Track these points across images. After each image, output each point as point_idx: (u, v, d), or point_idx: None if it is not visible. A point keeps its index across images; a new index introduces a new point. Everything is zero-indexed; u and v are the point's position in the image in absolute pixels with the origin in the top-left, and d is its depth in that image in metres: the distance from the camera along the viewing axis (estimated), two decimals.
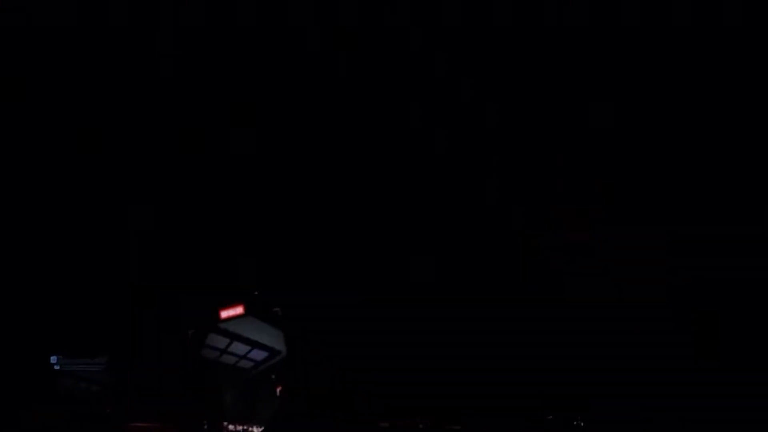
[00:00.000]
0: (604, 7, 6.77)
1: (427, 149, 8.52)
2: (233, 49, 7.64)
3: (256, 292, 10.10)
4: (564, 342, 8.67)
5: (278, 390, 10.27)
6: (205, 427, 9.78)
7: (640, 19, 6.80)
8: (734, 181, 7.47)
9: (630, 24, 6.87)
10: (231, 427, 10.22)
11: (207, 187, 9.18)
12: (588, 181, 8.27)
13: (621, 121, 7.70)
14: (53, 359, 10.00)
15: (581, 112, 7.79)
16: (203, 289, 10.05)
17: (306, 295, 9.74)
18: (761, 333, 7.31)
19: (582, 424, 8.56)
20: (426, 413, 9.09)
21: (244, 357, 11.15)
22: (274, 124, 8.50)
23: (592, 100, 7.65)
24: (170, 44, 7.53)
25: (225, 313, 10.24)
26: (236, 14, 7.23)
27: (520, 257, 8.81)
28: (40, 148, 8.58)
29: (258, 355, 11.00)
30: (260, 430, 10.17)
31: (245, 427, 10.32)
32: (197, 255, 9.86)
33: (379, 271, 9.31)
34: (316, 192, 9.03)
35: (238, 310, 10.18)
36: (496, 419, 8.72)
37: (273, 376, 10.55)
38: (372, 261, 9.35)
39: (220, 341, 10.71)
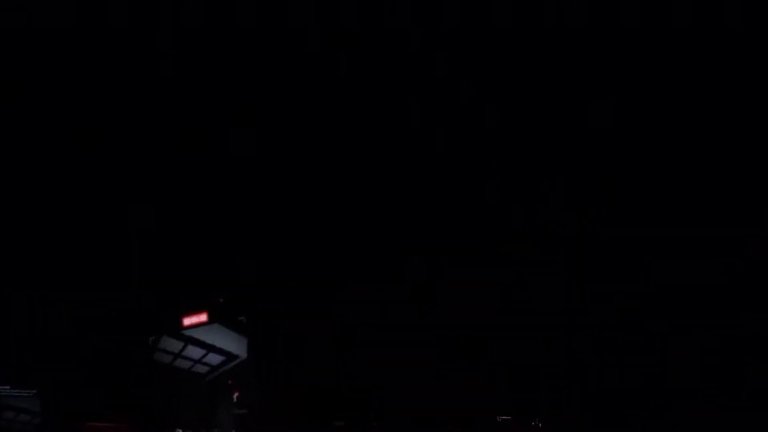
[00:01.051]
0: (604, 7, 6.77)
1: (427, 149, 8.52)
2: (233, 49, 7.64)
3: (221, 300, 9.81)
4: (541, 344, 8.65)
5: (235, 396, 10.04)
6: None
7: (641, 19, 6.80)
8: (735, 181, 7.47)
9: (630, 24, 6.87)
10: None
11: (180, 189, 9.04)
12: (588, 181, 8.27)
13: (621, 122, 7.70)
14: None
15: (581, 112, 7.79)
16: (166, 293, 9.76)
17: (274, 304, 9.59)
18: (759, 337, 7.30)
19: (540, 425, 8.51)
20: (385, 415, 8.98)
21: (200, 361, 10.82)
22: (274, 124, 8.51)
23: (592, 100, 7.66)
24: (170, 44, 7.53)
25: (188, 320, 9.89)
26: (236, 14, 7.24)
27: (517, 259, 8.80)
28: (40, 148, 8.60)
29: (214, 359, 10.71)
30: None
31: None
32: (164, 258, 9.64)
33: (359, 278, 9.23)
34: (308, 194, 9.00)
35: (202, 317, 9.83)
36: (457, 419, 8.66)
37: (230, 382, 10.29)
38: (352, 268, 9.27)
39: (176, 345, 10.35)
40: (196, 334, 10.20)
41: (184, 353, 10.49)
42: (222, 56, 7.72)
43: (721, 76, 7.00)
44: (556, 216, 8.52)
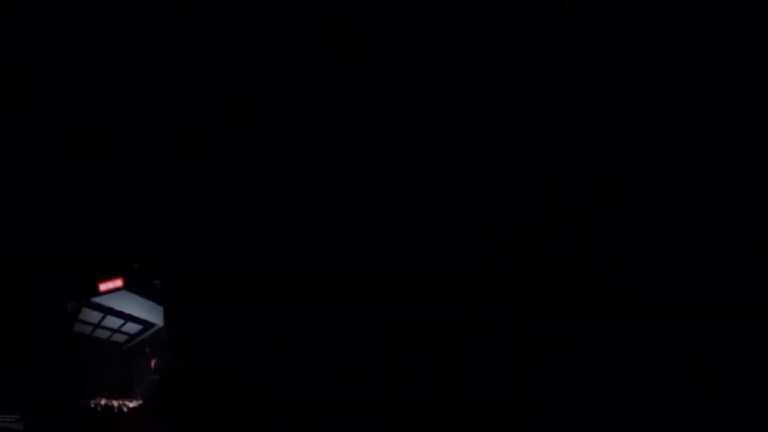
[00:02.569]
0: (604, 7, 6.77)
1: (428, 149, 8.52)
2: (233, 49, 7.64)
3: (136, 264, 9.78)
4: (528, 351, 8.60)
5: (153, 363, 10.08)
6: (86, 403, 9.54)
7: (641, 19, 6.81)
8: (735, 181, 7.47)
9: (630, 24, 6.87)
10: (104, 401, 10.01)
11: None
12: (588, 181, 8.28)
13: (621, 122, 7.71)
14: None
15: (581, 112, 7.80)
16: (79, 260, 9.62)
17: (190, 269, 9.37)
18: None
19: None
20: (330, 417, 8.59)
21: (118, 330, 10.84)
22: (274, 124, 8.51)
23: (592, 100, 7.66)
24: (170, 44, 7.53)
25: (104, 286, 9.89)
26: (236, 14, 7.24)
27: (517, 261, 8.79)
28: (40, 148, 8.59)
29: (132, 328, 10.74)
30: (136, 403, 9.92)
31: (121, 401, 10.09)
32: (73, 225, 9.44)
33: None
34: (300, 189, 8.97)
35: (117, 283, 9.86)
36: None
37: (147, 350, 10.35)
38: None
39: (95, 316, 10.38)
40: (115, 304, 10.27)
41: (103, 323, 10.55)
42: (222, 56, 7.73)
43: (721, 76, 7.01)
44: (556, 216, 8.52)
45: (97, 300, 9.96)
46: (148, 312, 10.17)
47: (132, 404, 9.80)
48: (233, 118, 8.32)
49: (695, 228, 7.69)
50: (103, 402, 9.83)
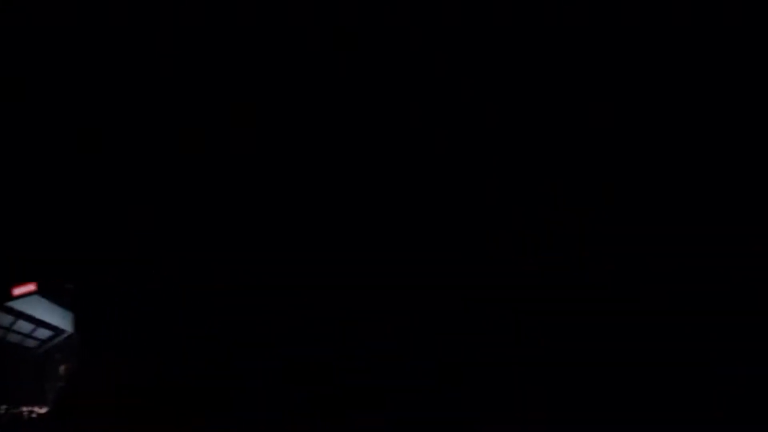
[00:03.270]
0: (604, 7, 6.77)
1: (428, 149, 8.51)
2: (233, 49, 7.64)
3: (49, 271, 9.75)
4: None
5: (62, 369, 10.02)
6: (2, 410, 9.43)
7: (641, 19, 6.80)
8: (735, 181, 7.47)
9: (630, 24, 6.87)
10: (14, 407, 9.89)
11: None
12: (588, 181, 8.27)
13: (621, 121, 7.70)
14: None
15: (581, 112, 7.79)
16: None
17: (103, 276, 9.31)
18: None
19: None
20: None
21: (29, 336, 10.72)
22: (274, 124, 8.50)
23: (592, 100, 7.65)
24: (170, 44, 7.53)
25: (18, 291, 9.87)
26: (236, 14, 7.24)
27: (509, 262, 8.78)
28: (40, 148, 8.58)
29: (43, 333, 10.65)
30: (46, 410, 9.79)
31: (30, 408, 9.99)
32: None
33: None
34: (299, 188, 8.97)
35: (31, 287, 9.83)
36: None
37: (58, 356, 10.29)
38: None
39: (6, 319, 10.26)
40: (26, 309, 10.18)
41: (14, 327, 10.44)
42: (222, 56, 7.72)
43: (721, 77, 7.00)
44: (556, 216, 8.52)
45: (10, 304, 9.86)
46: (59, 318, 10.11)
47: (42, 410, 9.65)
48: (233, 118, 8.31)
49: (695, 228, 7.69)
50: (11, 409, 9.70)
